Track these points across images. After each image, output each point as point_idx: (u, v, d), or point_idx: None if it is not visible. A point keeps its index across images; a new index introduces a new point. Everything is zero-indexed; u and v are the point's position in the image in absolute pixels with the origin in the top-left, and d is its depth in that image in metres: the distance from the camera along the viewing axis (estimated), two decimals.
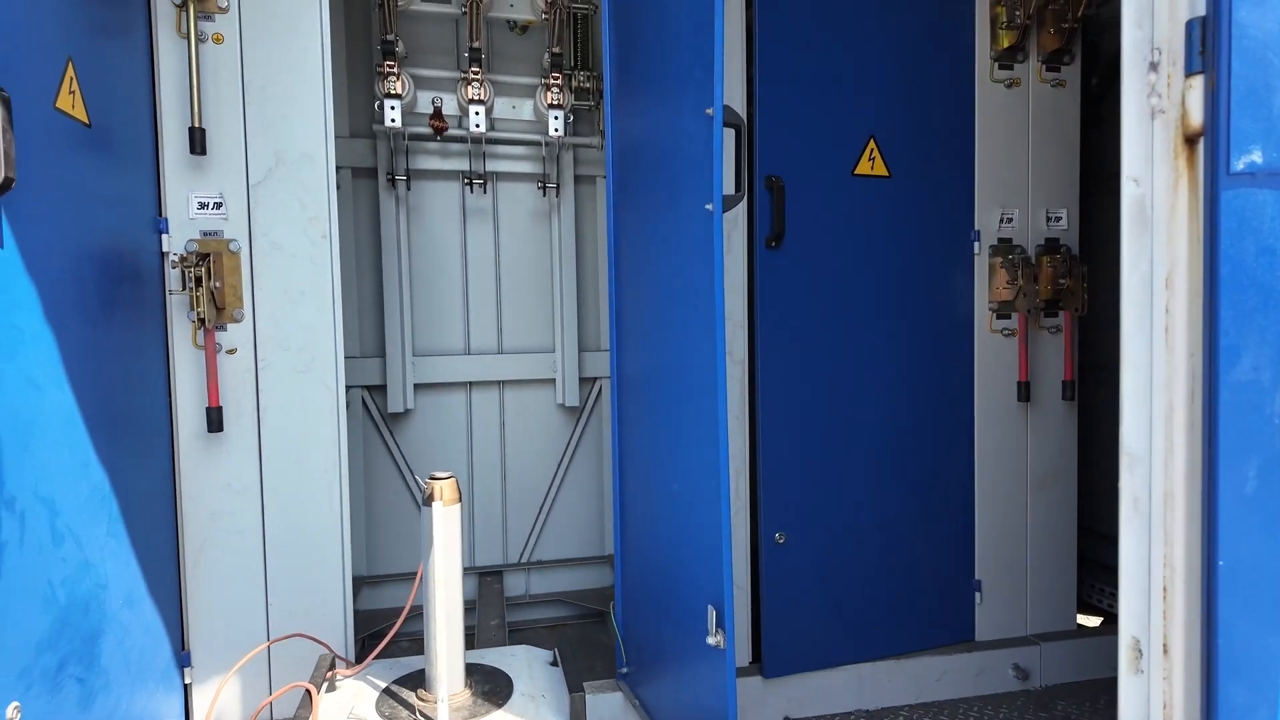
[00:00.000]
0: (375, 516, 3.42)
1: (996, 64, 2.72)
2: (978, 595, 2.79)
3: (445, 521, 1.86)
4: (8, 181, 1.33)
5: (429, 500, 1.84)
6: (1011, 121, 2.76)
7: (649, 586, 2.24)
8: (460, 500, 1.89)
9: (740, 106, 2.33)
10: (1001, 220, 2.76)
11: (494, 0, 3.19)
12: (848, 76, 2.50)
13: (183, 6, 2.08)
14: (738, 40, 2.41)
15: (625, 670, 2.40)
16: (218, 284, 2.10)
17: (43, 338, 1.52)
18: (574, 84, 3.31)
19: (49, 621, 1.51)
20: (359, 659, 2.37)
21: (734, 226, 2.43)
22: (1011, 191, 2.78)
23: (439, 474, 1.88)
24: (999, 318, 2.77)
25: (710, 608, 1.69)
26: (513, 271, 3.61)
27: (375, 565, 3.41)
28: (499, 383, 3.60)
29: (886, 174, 2.57)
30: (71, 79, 1.66)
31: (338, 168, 3.36)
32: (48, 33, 1.60)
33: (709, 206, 1.56)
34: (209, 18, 2.13)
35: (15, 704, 1.37)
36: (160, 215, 2.13)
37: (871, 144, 2.54)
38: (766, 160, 2.34)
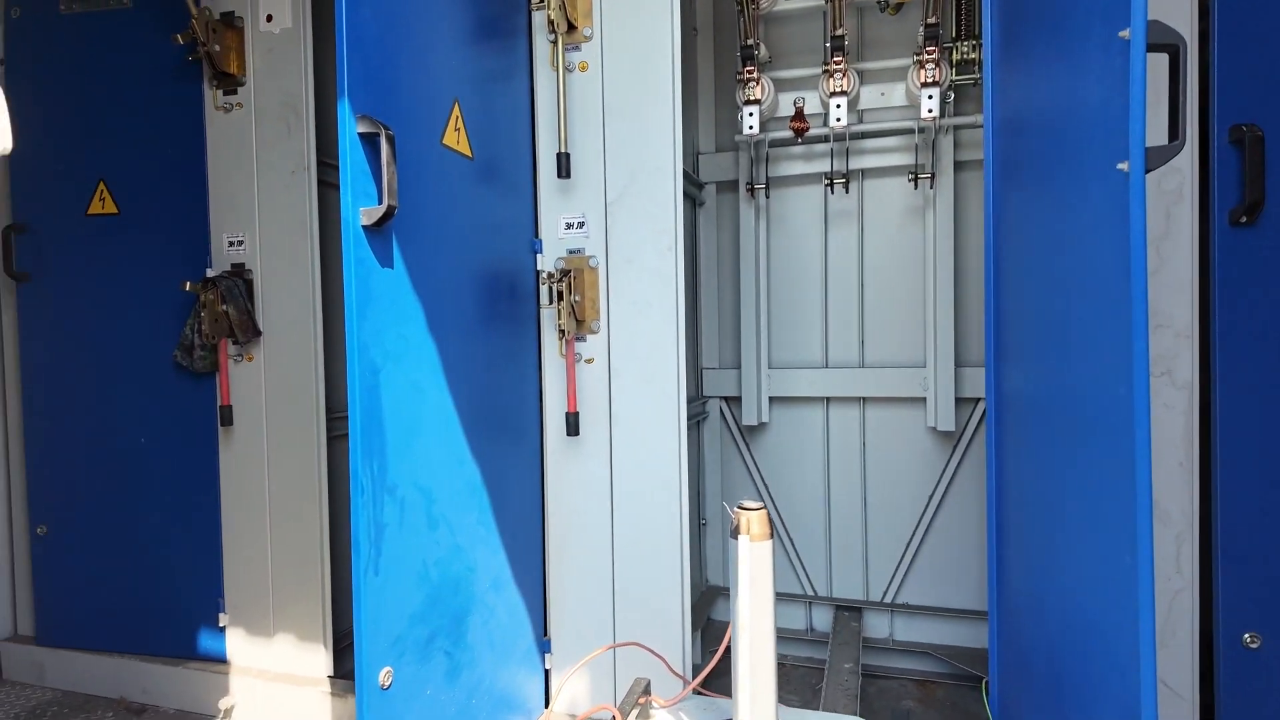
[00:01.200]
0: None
1: None
2: None
3: (754, 559, 1.63)
4: (390, 210, 1.53)
5: (735, 533, 1.65)
6: None
7: (1031, 669, 1.74)
8: (772, 535, 1.65)
9: (1185, 25, 1.68)
10: None
11: None
12: None
13: (555, 41, 2.26)
14: None
15: None
16: (578, 298, 2.23)
17: (426, 347, 1.74)
18: (954, 56, 2.86)
19: (421, 597, 1.70)
20: (698, 671, 2.31)
21: (1175, 198, 1.78)
22: None
23: (748, 504, 1.67)
24: None
25: None
26: (878, 276, 3.27)
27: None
28: (860, 399, 3.28)
29: None
30: (457, 118, 1.89)
31: (704, 183, 3.47)
32: (438, 79, 1.84)
33: (1123, 166, 1.09)
34: (576, 48, 2.29)
35: (388, 669, 1.56)
36: (536, 236, 2.34)
37: None
38: (1231, 100, 1.66)
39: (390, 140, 1.53)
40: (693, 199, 3.40)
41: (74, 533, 2.79)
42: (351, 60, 1.50)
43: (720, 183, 3.44)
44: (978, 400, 3.12)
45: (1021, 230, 1.75)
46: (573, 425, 2.29)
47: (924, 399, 3.16)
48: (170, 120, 2.64)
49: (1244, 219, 1.66)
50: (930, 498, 3.17)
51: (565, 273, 2.25)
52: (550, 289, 2.23)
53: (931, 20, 2.69)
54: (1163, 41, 1.13)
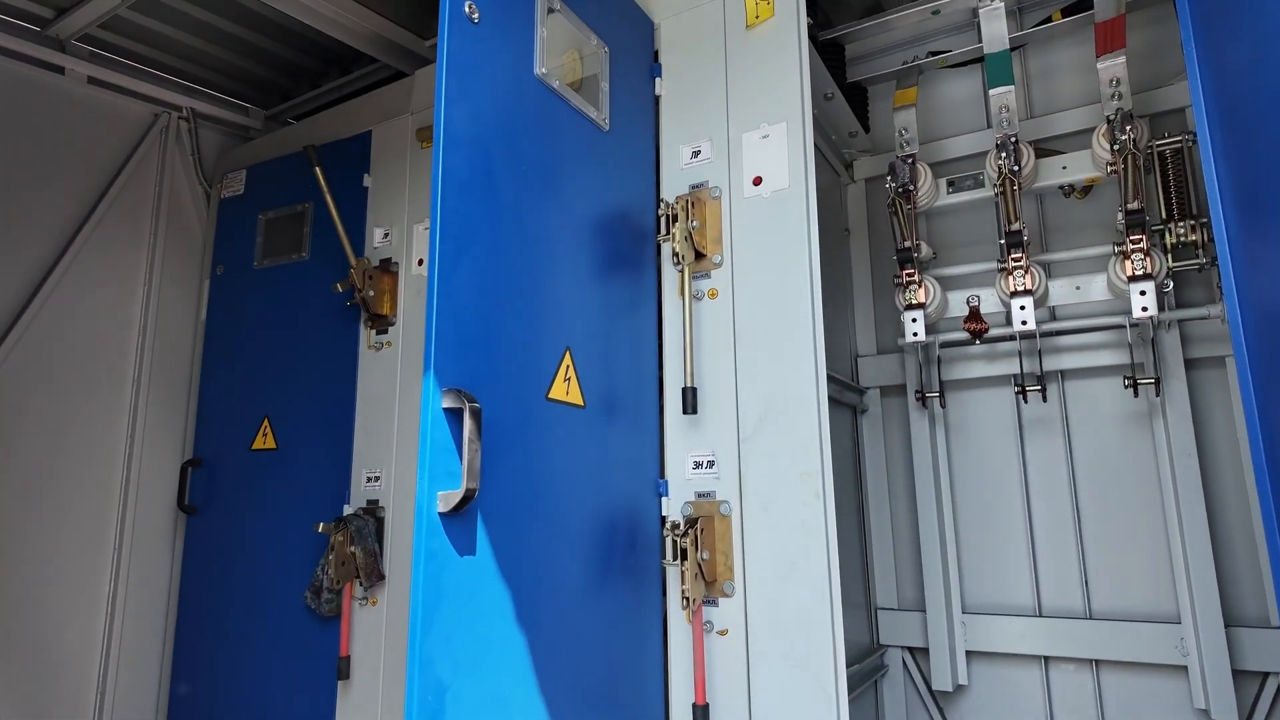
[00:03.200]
0: None
1: None
2: None
3: None
4: (469, 494, 1.33)
5: None
6: None
7: None
8: None
9: None
10: None
11: (1038, 168, 2.57)
12: None
13: (681, 270, 2.11)
14: None
15: None
16: (705, 555, 1.90)
17: (512, 646, 1.47)
18: (1169, 240, 2.38)
19: None
20: None
21: None
22: None
23: None
24: None
25: None
26: (1099, 499, 2.63)
27: None
28: (1091, 662, 2.54)
29: None
30: (568, 367, 1.73)
31: (865, 388, 3.11)
32: (548, 329, 1.70)
33: None
34: (705, 275, 2.12)
35: None
36: (661, 476, 2.08)
37: None
38: None
39: (476, 415, 1.37)
40: (853, 407, 3.03)
41: None
42: (441, 331, 1.39)
43: (885, 387, 3.06)
44: (1267, 675, 2.29)
45: None
46: None
47: (1184, 667, 2.37)
48: (330, 359, 2.77)
49: None
50: None
51: (692, 522, 1.94)
52: (674, 543, 1.91)
53: (1134, 206, 2.26)
54: None
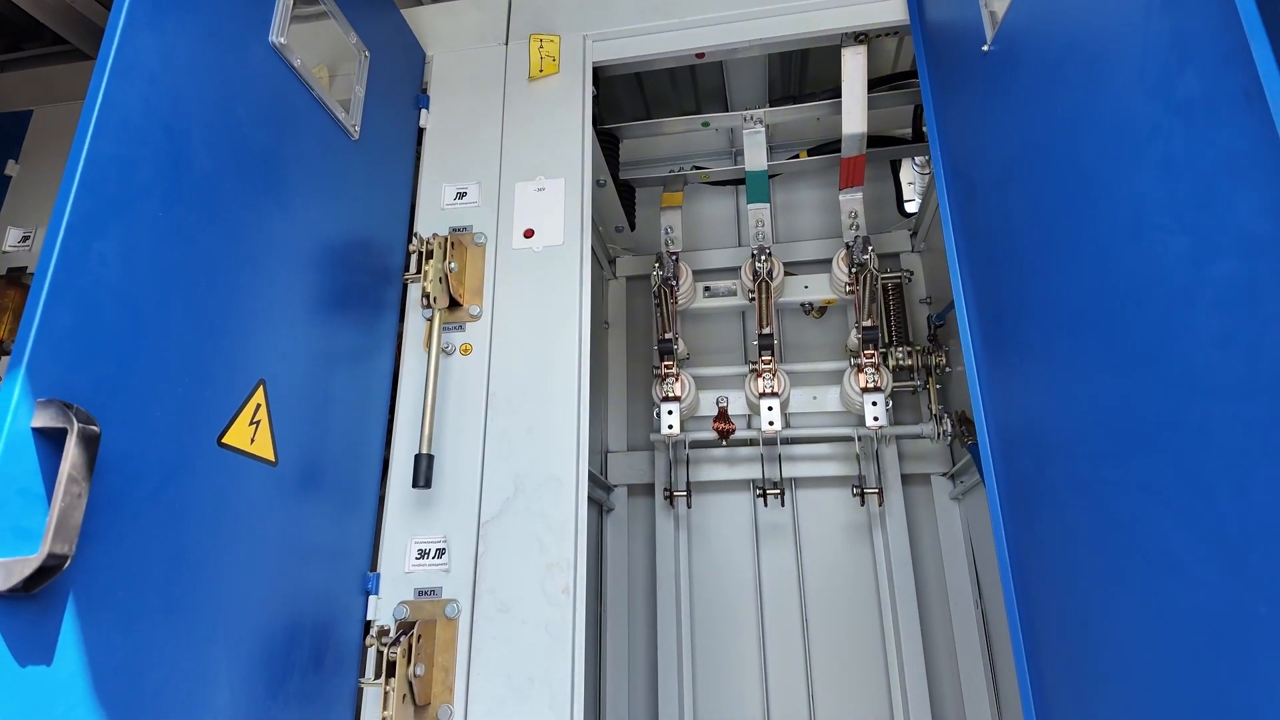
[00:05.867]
0: None
1: None
2: None
3: None
4: (54, 563, 0.84)
5: None
6: None
7: None
8: None
9: None
10: None
11: (785, 284, 2.71)
12: None
13: (431, 318, 1.78)
14: None
15: None
16: (419, 670, 1.48)
17: None
18: (891, 361, 2.59)
19: None
20: None
21: None
22: None
23: None
24: None
25: None
26: (825, 608, 2.65)
27: None
28: None
29: None
30: (258, 406, 1.29)
31: (613, 486, 2.94)
32: (234, 350, 1.27)
33: None
34: (459, 327, 1.82)
35: None
36: (373, 570, 1.64)
37: None
38: None
39: (88, 442, 0.89)
40: (599, 504, 2.82)
41: None
42: (51, 310, 0.92)
43: (633, 485, 2.91)
44: None
45: (1080, 556, 1.21)
46: None
47: None
48: None
49: None
50: None
51: (407, 627, 1.52)
52: (378, 654, 1.47)
53: (868, 323, 2.43)
54: None
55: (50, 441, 0.91)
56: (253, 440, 1.28)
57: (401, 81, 1.98)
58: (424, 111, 2.05)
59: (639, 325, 3.13)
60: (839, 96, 2.35)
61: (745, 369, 2.68)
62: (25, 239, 2.09)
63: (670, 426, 2.52)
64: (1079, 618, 1.20)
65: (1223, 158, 0.83)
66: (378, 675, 1.44)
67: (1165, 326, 0.94)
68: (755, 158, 2.72)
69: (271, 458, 1.33)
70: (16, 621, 0.86)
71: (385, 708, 1.39)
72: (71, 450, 0.88)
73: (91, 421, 0.91)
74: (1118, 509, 1.05)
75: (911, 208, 3.03)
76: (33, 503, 0.89)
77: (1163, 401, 0.94)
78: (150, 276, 1.08)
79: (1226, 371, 0.82)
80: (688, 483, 2.74)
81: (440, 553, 1.62)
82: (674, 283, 2.66)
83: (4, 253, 2.07)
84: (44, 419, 0.89)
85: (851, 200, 2.63)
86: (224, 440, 1.21)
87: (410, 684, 1.44)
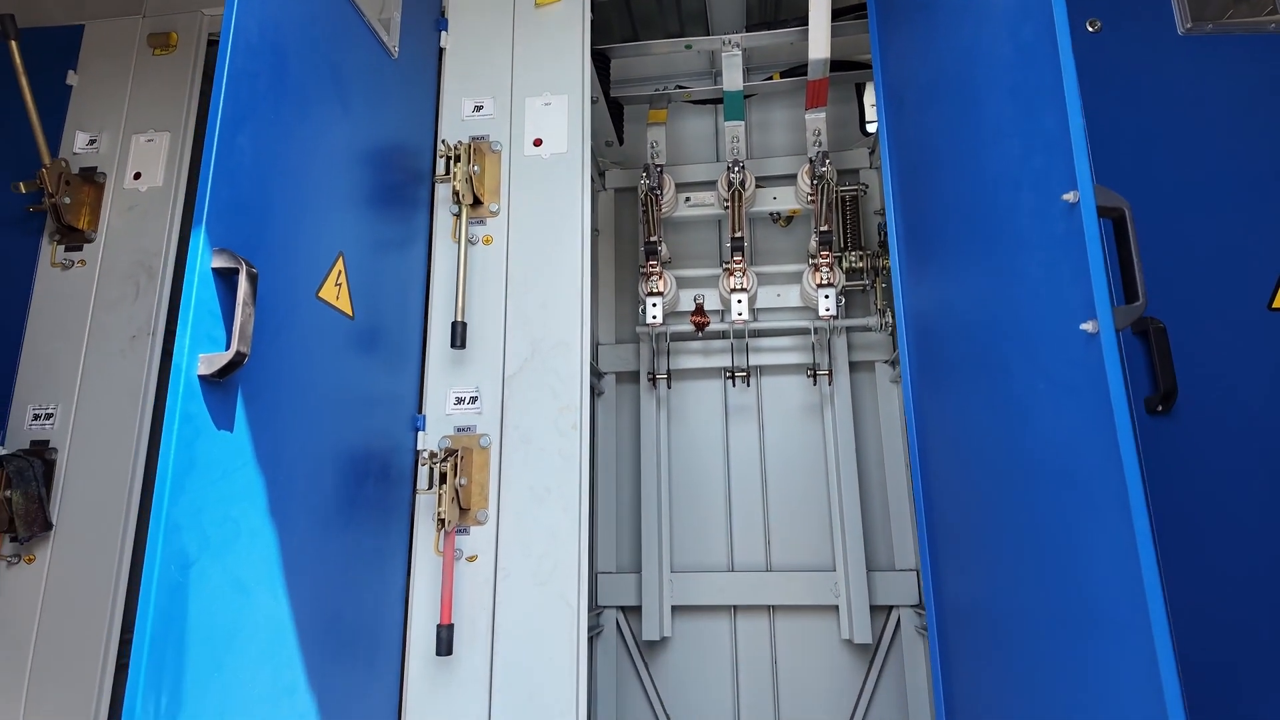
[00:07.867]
0: None
1: None
2: None
3: None
4: (238, 358, 1.24)
5: None
6: None
7: None
8: None
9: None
10: None
11: (755, 195, 3.08)
12: None
13: (459, 214, 2.15)
14: None
15: None
16: (464, 481, 1.92)
17: (263, 536, 1.36)
18: (845, 264, 3.00)
19: None
20: None
21: None
22: None
23: None
24: None
25: None
26: (782, 474, 3.14)
27: None
28: (768, 608, 3.00)
29: None
30: (340, 272, 1.67)
31: (604, 373, 3.36)
32: (322, 228, 1.64)
33: (1088, 326, 1.01)
34: (480, 222, 2.19)
35: None
36: (419, 411, 2.06)
37: None
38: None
39: (252, 279, 1.28)
40: (592, 388, 3.25)
41: None
42: (218, 182, 1.28)
43: (620, 373, 3.33)
44: (891, 608, 2.91)
45: (956, 426, 1.66)
46: (445, 642, 1.86)
47: (836, 607, 2.92)
48: None
49: (1160, 408, 1.66)
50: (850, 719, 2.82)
51: (451, 452, 1.95)
52: (432, 470, 1.91)
53: (824, 228, 2.83)
54: (1111, 205, 1.13)
55: (222, 279, 1.29)
56: (338, 297, 1.66)
57: (426, 7, 2.27)
58: (444, 33, 2.35)
59: (626, 234, 3.48)
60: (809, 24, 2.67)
61: (720, 271, 3.07)
62: (92, 141, 2.39)
63: (654, 318, 2.93)
64: (962, 458, 1.64)
65: (1041, 84, 1.22)
66: (429, 486, 1.88)
67: (1010, 210, 1.34)
68: (733, 79, 3.04)
69: (350, 313, 1.72)
70: (212, 399, 1.26)
71: (440, 505, 1.84)
72: (243, 283, 1.27)
73: (251, 265, 1.29)
74: (988, 372, 1.49)
75: (872, 128, 3.37)
76: (215, 320, 1.27)
77: (1011, 270, 1.35)
78: (270, 163, 1.44)
79: (1038, 232, 1.24)
80: (668, 369, 3.17)
81: (474, 399, 2.04)
82: (659, 192, 3.02)
83: (76, 153, 2.37)
84: (221, 261, 1.27)
85: (816, 119, 2.98)
86: (320, 294, 1.60)
87: (456, 491, 1.88)
